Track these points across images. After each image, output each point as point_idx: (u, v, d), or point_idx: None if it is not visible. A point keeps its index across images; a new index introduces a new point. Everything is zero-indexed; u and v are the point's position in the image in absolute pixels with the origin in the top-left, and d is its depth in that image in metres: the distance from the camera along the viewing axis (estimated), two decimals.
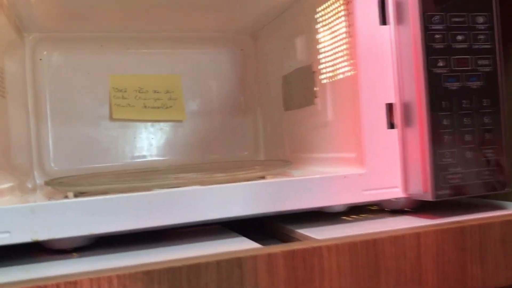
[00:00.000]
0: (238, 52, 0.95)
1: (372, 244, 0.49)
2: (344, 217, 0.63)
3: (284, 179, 0.56)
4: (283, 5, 0.78)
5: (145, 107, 0.88)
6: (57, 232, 0.47)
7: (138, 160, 0.89)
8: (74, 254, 0.51)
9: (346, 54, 0.61)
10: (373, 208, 0.67)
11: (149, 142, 0.89)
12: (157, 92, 0.89)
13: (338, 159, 0.64)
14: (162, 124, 0.90)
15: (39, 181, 0.81)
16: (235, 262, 0.44)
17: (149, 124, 0.90)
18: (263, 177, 0.60)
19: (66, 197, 0.58)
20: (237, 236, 0.56)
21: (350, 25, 0.59)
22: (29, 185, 0.75)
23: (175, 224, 0.51)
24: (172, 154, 0.90)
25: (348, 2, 0.60)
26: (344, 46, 0.62)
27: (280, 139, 0.85)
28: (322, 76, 0.68)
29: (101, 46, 0.87)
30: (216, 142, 0.93)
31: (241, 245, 0.51)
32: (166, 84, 0.90)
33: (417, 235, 0.50)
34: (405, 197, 0.60)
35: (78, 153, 0.85)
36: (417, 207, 0.63)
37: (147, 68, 0.89)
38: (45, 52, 0.83)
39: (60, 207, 0.47)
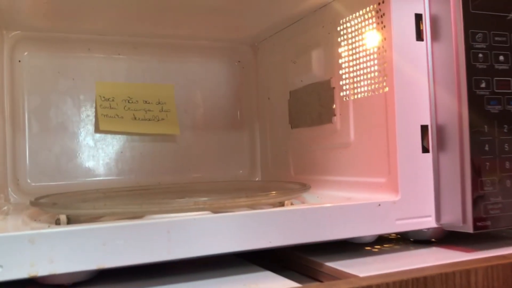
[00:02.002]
0: (236, 63, 0.89)
1: (422, 283, 0.43)
2: (368, 248, 0.57)
3: (313, 206, 0.50)
4: (295, 16, 0.73)
5: (135, 118, 0.80)
6: (62, 267, 0.39)
7: (123, 176, 0.80)
8: None
9: (377, 70, 0.57)
10: (393, 237, 0.63)
11: (135, 157, 0.81)
12: (148, 103, 0.81)
13: (362, 183, 0.59)
14: (151, 138, 0.82)
15: (14, 199, 0.71)
16: None
17: (136, 137, 0.82)
18: (281, 203, 0.54)
19: (58, 220, 0.49)
20: (260, 270, 0.50)
21: (385, 38, 0.55)
22: (3, 205, 0.65)
23: (196, 257, 0.44)
24: (160, 171, 0.82)
25: (383, 14, 0.55)
26: (375, 61, 0.57)
27: (283, 158, 0.79)
28: (344, 93, 0.63)
29: (88, 50, 0.78)
30: (209, 159, 0.86)
31: (274, 282, 0.45)
32: (157, 94, 0.82)
33: (467, 272, 0.46)
34: (435, 228, 0.55)
35: (57, 167, 0.75)
36: (442, 238, 0.58)
37: (137, 76, 0.82)
38: (25, 53, 0.74)
39: (67, 235, 0.39)
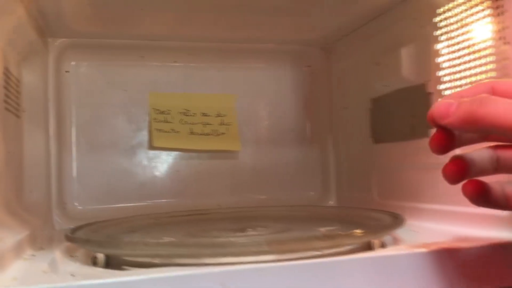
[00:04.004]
0: (304, 68, 0.78)
1: None
2: None
3: (416, 251, 0.38)
4: (377, 9, 0.61)
5: (192, 133, 0.71)
6: None
7: (178, 199, 0.71)
8: None
9: (494, 69, 0.43)
10: None
11: (192, 176, 0.72)
12: (207, 116, 0.72)
13: (472, 215, 0.46)
14: (209, 154, 0.73)
15: (58, 225, 0.64)
16: None
17: (193, 154, 0.73)
18: (368, 243, 0.42)
19: (95, 258, 0.41)
20: None
21: (504, 28, 0.42)
22: (39, 235, 0.58)
23: None
24: (219, 192, 0.73)
25: None
26: (490, 58, 0.44)
27: (364, 179, 0.67)
28: None
29: (141, 57, 0.71)
30: (274, 179, 0.75)
31: None
32: (217, 105, 0.73)
33: None
34: None
35: (108, 189, 0.68)
36: None
37: (195, 86, 0.73)
38: (73, 63, 0.68)
39: None
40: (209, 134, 0.72)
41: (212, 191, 0.72)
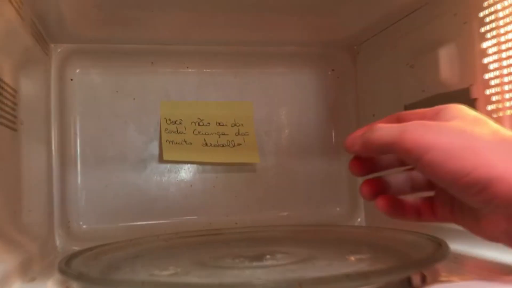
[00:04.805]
0: (329, 72, 0.71)
1: None
2: None
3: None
4: (411, 5, 0.54)
5: (206, 144, 0.65)
6: None
7: (192, 216, 0.66)
8: None
9: None
10: None
11: (207, 191, 0.66)
12: (222, 125, 0.67)
13: None
14: (225, 167, 0.67)
15: (62, 246, 0.59)
16: None
17: (208, 167, 0.67)
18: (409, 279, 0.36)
19: None
20: None
21: None
22: (46, 255, 0.53)
23: None
24: (236, 208, 0.67)
25: None
26: None
27: None
28: (493, 107, 0.43)
29: (151, 63, 0.65)
30: (297, 194, 0.69)
31: None
32: (233, 114, 0.67)
33: None
34: None
35: (116, 206, 0.63)
36: None
37: (209, 93, 0.68)
38: (77, 70, 0.63)
39: None
40: (224, 145, 0.66)
41: (228, 208, 0.67)
